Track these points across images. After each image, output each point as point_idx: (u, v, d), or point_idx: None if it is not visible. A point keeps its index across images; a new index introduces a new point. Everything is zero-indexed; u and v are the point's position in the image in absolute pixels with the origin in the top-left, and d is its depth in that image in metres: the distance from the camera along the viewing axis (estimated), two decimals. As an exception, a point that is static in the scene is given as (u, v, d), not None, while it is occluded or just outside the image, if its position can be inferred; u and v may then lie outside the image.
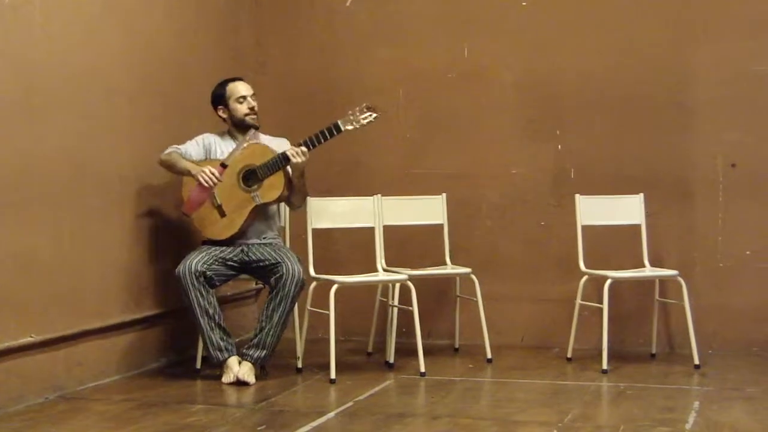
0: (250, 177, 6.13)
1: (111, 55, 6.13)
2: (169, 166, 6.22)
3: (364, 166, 7.43)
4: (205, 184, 6.07)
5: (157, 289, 6.50)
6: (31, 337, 5.47)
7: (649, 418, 5.15)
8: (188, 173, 6.16)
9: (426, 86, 7.39)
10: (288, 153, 6.04)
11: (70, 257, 5.79)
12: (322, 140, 6.09)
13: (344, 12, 7.54)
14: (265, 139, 6.38)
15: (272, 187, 6.11)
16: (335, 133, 6.10)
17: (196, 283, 5.95)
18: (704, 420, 5.12)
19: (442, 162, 7.33)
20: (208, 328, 6.01)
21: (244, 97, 6.30)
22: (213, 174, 6.08)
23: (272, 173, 6.09)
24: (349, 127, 6.10)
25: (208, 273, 6.01)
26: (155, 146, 6.43)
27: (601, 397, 5.78)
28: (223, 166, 6.13)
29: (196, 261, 5.99)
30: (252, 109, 6.30)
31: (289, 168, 6.13)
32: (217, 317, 6.03)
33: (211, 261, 6.05)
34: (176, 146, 6.24)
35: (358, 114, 6.11)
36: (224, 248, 6.16)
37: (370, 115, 6.13)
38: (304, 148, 6.04)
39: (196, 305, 5.98)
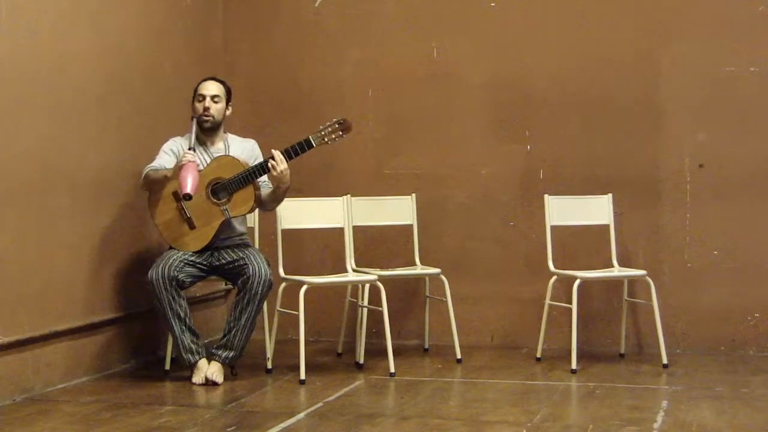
0: (219, 190, 6.08)
1: (80, 55, 6.09)
2: (150, 183, 6.12)
3: (333, 167, 7.42)
4: (184, 161, 5.91)
5: (125, 291, 6.47)
6: (-2, 338, 5.45)
7: (618, 418, 5.17)
8: (169, 172, 6.05)
9: (395, 87, 7.39)
10: (270, 164, 5.99)
11: (37, 259, 5.75)
12: (294, 155, 6.04)
13: (313, 13, 7.52)
14: (233, 140, 6.36)
15: (242, 201, 6.05)
16: (306, 149, 6.07)
17: (169, 287, 5.92)
18: (672, 419, 5.15)
19: (412, 162, 7.33)
20: (179, 332, 5.99)
21: (204, 97, 6.24)
22: (188, 154, 5.96)
23: (243, 187, 6.05)
24: (319, 143, 6.06)
25: (180, 277, 5.98)
26: (124, 147, 6.41)
27: (570, 397, 5.80)
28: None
29: (168, 265, 5.95)
30: (207, 110, 6.22)
31: (265, 177, 6.11)
32: (187, 320, 6.01)
33: (182, 265, 6.02)
34: (149, 165, 6.15)
35: (329, 131, 6.06)
36: (194, 252, 6.13)
37: (341, 135, 6.09)
38: (283, 157, 5.99)
39: (168, 309, 5.95)
